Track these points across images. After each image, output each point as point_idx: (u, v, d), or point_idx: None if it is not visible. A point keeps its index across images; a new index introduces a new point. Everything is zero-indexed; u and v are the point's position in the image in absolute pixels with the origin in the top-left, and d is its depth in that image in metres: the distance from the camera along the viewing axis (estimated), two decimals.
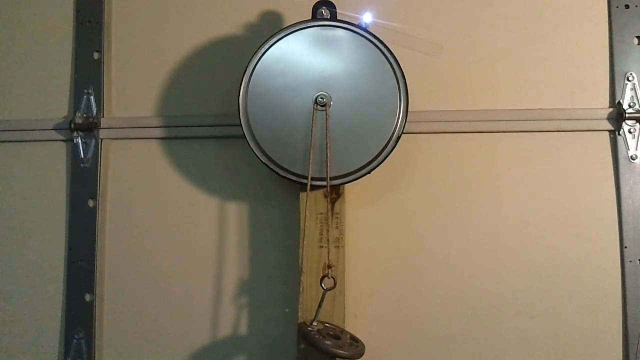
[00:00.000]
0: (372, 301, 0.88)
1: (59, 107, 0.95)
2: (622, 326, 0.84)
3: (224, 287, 0.90)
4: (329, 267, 0.75)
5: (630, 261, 0.85)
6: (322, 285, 0.75)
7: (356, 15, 0.86)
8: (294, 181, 0.79)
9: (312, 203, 0.79)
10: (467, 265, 0.87)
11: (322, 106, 0.77)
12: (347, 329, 0.80)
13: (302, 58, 0.78)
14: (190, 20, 0.94)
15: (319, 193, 0.80)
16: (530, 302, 0.86)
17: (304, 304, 0.78)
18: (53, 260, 0.93)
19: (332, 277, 0.75)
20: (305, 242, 0.78)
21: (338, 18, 0.80)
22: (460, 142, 0.89)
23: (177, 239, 0.91)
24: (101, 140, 0.93)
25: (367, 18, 0.85)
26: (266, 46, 0.78)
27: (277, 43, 0.78)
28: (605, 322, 0.85)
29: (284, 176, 0.78)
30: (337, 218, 0.81)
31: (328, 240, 0.79)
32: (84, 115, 0.93)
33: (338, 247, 0.80)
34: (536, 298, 0.86)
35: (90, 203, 0.92)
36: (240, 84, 0.78)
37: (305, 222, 0.77)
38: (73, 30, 0.96)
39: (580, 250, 0.86)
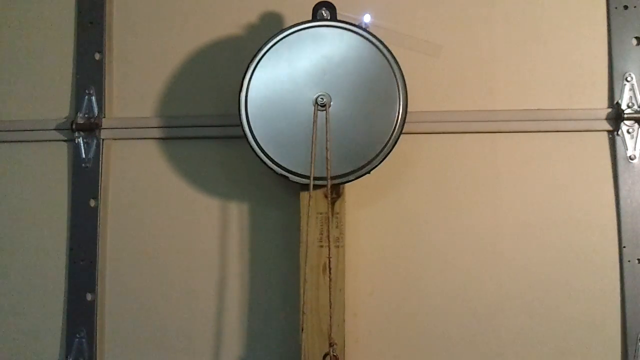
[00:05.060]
0: (372, 300, 0.88)
1: (60, 107, 0.96)
2: (621, 325, 0.85)
3: (224, 286, 0.90)
4: (331, 345, 0.75)
5: (629, 261, 0.85)
6: None
7: (356, 15, 0.86)
8: (295, 181, 0.79)
9: (312, 203, 0.80)
10: (466, 265, 0.87)
11: (322, 106, 0.77)
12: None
13: (302, 59, 0.78)
14: (191, 21, 0.94)
15: (319, 193, 0.80)
16: (530, 302, 0.86)
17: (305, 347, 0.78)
18: (54, 260, 0.93)
19: (334, 355, 0.75)
20: (305, 242, 0.78)
21: (338, 19, 0.81)
22: (459, 142, 0.89)
23: (177, 239, 0.92)
24: (102, 140, 0.93)
25: (367, 18, 0.86)
26: (267, 47, 0.79)
27: (278, 43, 0.79)
28: (604, 322, 0.85)
29: (285, 176, 0.79)
30: (337, 218, 0.81)
31: (329, 240, 0.79)
32: (86, 115, 0.93)
33: (338, 246, 0.80)
34: (535, 298, 0.86)
35: (92, 203, 0.93)
36: (241, 84, 0.79)
37: (307, 222, 0.78)
38: (74, 31, 0.96)
39: (579, 250, 0.86)
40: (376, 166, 0.78)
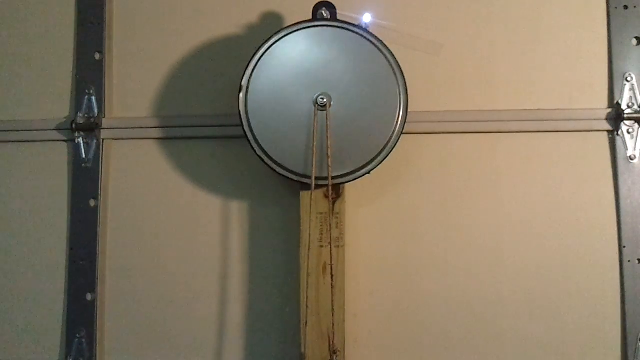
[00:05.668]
0: (372, 300, 0.88)
1: (60, 107, 0.96)
2: (621, 325, 0.85)
3: (224, 286, 0.90)
4: (334, 352, 0.75)
5: (629, 261, 0.85)
6: None
7: (356, 15, 0.86)
8: (295, 181, 0.79)
9: (312, 203, 0.80)
10: (466, 265, 0.87)
11: (322, 106, 0.77)
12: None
13: (302, 58, 0.78)
14: (190, 20, 0.94)
15: (319, 193, 0.80)
16: (530, 302, 0.86)
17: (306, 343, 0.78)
18: (54, 260, 0.93)
19: None
20: (306, 242, 0.78)
21: (338, 18, 0.81)
22: (459, 142, 0.89)
23: (177, 239, 0.92)
24: (102, 140, 0.93)
25: (367, 18, 0.86)
26: (266, 46, 0.79)
27: (278, 43, 0.79)
28: (604, 322, 0.85)
29: (285, 176, 0.79)
30: (337, 218, 0.81)
31: (330, 239, 0.79)
32: (86, 115, 0.93)
33: (338, 246, 0.80)
34: (535, 298, 0.86)
35: (92, 203, 0.93)
36: (241, 84, 0.79)
37: (308, 221, 0.78)
38: (74, 31, 0.96)
39: (579, 250, 0.86)
40: (376, 166, 0.78)
